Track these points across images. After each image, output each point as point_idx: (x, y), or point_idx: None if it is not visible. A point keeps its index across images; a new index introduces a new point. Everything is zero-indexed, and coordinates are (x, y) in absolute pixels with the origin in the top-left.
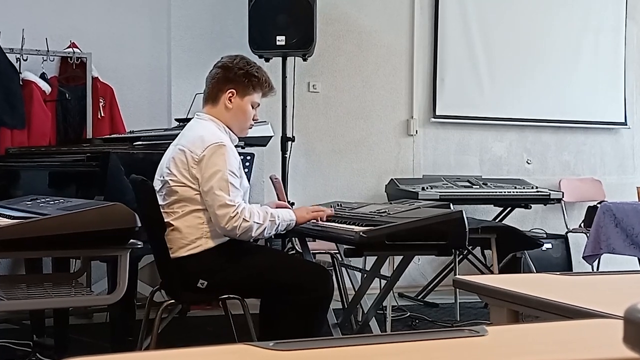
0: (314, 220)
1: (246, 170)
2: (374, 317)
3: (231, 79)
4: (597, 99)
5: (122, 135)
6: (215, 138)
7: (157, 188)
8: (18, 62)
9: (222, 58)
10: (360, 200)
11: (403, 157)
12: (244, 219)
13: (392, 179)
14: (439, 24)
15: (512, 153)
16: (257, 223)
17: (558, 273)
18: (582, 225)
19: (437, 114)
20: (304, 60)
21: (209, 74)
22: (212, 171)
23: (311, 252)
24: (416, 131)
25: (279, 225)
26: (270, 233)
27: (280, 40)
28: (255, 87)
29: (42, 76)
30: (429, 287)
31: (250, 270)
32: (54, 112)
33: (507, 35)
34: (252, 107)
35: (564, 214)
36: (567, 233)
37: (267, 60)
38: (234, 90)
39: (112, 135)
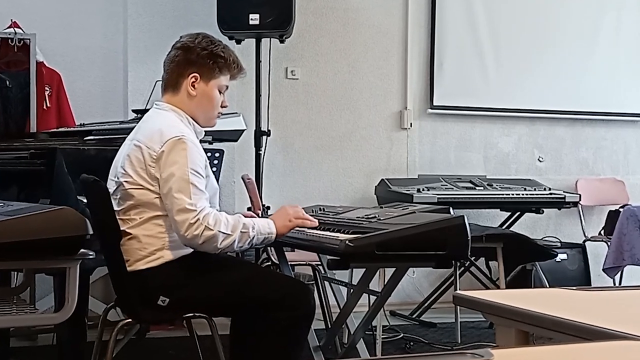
0: (299, 228)
1: (214, 169)
2: (361, 339)
3: (193, 62)
4: (619, 87)
5: (71, 129)
6: (176, 131)
7: (111, 190)
8: None
9: (181, 37)
10: (346, 203)
11: (395, 154)
12: (206, 226)
13: (382, 180)
14: (437, 0)
15: (521, 149)
16: (224, 233)
17: (574, 288)
18: (602, 232)
19: (434, 104)
20: (281, 42)
21: (167, 56)
22: (171, 170)
23: (289, 263)
24: (410, 124)
25: (253, 238)
26: (241, 247)
27: (254, 19)
28: (221, 69)
29: None
30: (426, 304)
31: (218, 285)
32: None
33: (515, 13)
34: (220, 92)
35: (581, 220)
36: (584, 242)
37: (238, 42)
38: (197, 75)
39: (60, 129)
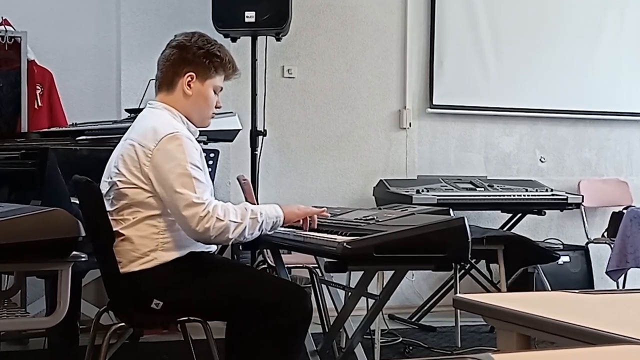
0: (296, 230)
1: (210, 169)
2: (360, 343)
3: (189, 61)
4: (622, 86)
5: (63, 129)
6: (170, 128)
7: (104, 191)
8: None
9: (176, 36)
10: (344, 205)
11: (394, 154)
12: (217, 218)
13: (381, 180)
14: None
15: (522, 149)
16: (234, 222)
17: (577, 291)
18: (606, 234)
19: (434, 103)
20: (278, 40)
21: (162, 55)
22: (170, 167)
23: (286, 266)
24: (410, 124)
25: (262, 223)
26: (253, 234)
27: (250, 16)
28: (217, 69)
29: None
30: (425, 308)
31: (214, 288)
32: None
33: (516, 11)
34: (215, 92)
35: (584, 222)
36: (587, 244)
37: (233, 40)
38: (193, 74)
39: (52, 129)
